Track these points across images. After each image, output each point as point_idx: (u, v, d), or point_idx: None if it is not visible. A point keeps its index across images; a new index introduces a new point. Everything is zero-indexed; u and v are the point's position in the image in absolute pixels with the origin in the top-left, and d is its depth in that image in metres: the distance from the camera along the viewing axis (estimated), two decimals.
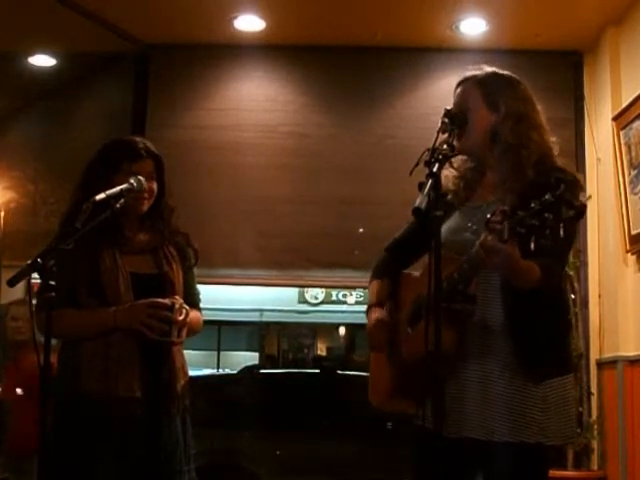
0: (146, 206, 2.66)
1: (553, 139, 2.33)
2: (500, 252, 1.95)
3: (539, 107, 2.36)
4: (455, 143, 2.16)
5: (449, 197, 2.38)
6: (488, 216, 1.99)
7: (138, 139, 2.70)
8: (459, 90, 2.36)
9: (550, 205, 1.82)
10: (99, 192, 2.47)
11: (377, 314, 2.41)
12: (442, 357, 2.08)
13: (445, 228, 2.29)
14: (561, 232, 1.85)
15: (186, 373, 2.69)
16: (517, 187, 2.18)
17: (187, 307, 2.59)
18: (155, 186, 2.68)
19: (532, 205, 1.85)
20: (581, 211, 1.84)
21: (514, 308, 2.17)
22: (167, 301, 2.54)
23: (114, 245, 2.61)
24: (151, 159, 2.67)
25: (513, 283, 2.11)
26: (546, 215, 1.82)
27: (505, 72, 2.39)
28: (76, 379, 2.52)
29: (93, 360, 2.52)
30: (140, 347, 2.54)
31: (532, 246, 1.87)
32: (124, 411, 2.49)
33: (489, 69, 2.38)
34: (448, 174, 2.37)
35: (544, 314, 2.20)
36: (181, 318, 2.55)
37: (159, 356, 2.57)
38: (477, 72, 2.37)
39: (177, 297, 2.60)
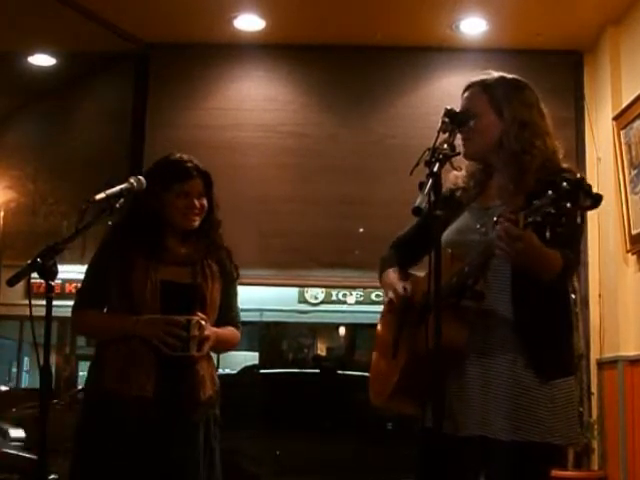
0: (197, 222, 2.72)
1: (558, 142, 2.33)
2: (522, 237, 1.94)
3: (545, 110, 2.35)
4: (461, 147, 2.16)
5: (458, 194, 2.37)
6: (495, 218, 2.00)
7: (186, 157, 2.75)
8: (466, 95, 2.36)
9: (567, 193, 1.80)
10: (152, 209, 2.65)
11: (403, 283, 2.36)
12: (452, 353, 2.08)
13: (452, 228, 2.29)
14: (578, 220, 1.84)
15: (215, 383, 2.72)
16: (520, 191, 2.17)
17: (204, 323, 2.62)
18: (205, 202, 2.74)
19: (549, 193, 1.83)
20: (598, 199, 1.81)
21: (523, 306, 2.16)
22: (182, 319, 2.58)
23: (152, 254, 2.67)
24: (200, 177, 2.73)
25: (535, 272, 2.08)
26: (563, 203, 1.81)
27: (512, 76, 2.38)
28: (100, 378, 2.62)
29: (114, 360, 2.61)
30: (157, 351, 2.59)
31: (548, 235, 1.86)
32: (138, 412, 2.53)
33: (496, 74, 2.37)
34: (458, 173, 2.37)
35: (552, 313, 2.19)
36: (198, 333, 2.59)
37: (179, 362, 2.61)
38: (484, 77, 2.36)
39: (199, 313, 2.63)
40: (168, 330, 2.56)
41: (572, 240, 2.13)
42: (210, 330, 2.64)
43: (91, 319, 2.69)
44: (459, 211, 2.34)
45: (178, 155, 2.76)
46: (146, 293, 2.61)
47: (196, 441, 2.61)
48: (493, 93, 2.31)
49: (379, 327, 2.51)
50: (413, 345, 2.20)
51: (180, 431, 2.59)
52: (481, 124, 2.28)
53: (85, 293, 2.71)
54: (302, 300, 13.51)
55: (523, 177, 2.21)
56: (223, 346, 2.81)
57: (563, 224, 1.83)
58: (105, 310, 2.70)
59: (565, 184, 1.81)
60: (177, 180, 2.69)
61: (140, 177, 2.59)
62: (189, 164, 2.72)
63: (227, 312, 2.79)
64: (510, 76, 2.37)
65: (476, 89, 2.34)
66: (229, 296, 2.82)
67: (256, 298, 12.21)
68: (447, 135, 2.14)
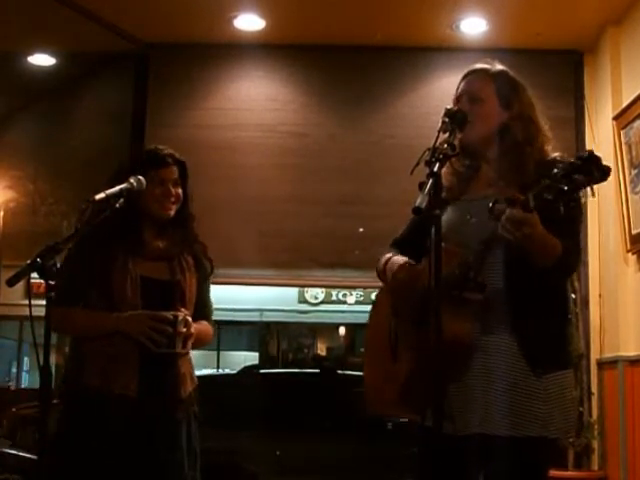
0: (173, 211, 2.71)
1: (550, 147, 2.32)
2: (528, 222, 1.94)
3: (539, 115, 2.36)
4: (458, 135, 2.15)
5: (443, 195, 2.35)
6: (490, 205, 1.99)
7: (162, 147, 2.75)
8: (471, 78, 2.34)
9: (579, 167, 1.81)
10: (129, 200, 2.55)
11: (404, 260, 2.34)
12: (459, 347, 2.08)
13: (442, 222, 2.27)
14: (590, 193, 1.83)
15: (194, 380, 2.72)
16: (517, 181, 2.16)
17: (190, 319, 2.61)
18: (181, 192, 2.73)
19: (556, 170, 1.83)
20: (607, 171, 1.82)
21: (518, 299, 2.15)
22: (169, 315, 2.56)
23: (130, 249, 2.64)
24: (176, 166, 2.72)
25: (535, 257, 2.08)
26: (575, 176, 1.80)
27: (513, 75, 2.39)
28: (79, 374, 2.58)
29: (94, 357, 2.57)
30: (141, 349, 2.56)
31: (562, 210, 1.85)
32: (122, 410, 2.51)
33: (501, 67, 2.37)
34: (440, 172, 2.35)
35: (548, 308, 2.18)
36: (185, 330, 2.58)
37: (161, 360, 2.59)
38: (488, 66, 2.36)
39: (182, 309, 2.62)
40: (154, 326, 2.54)
41: (572, 230, 2.14)
42: (193, 327, 2.62)
43: (72, 317, 2.61)
44: (445, 208, 2.32)
45: (154, 145, 2.76)
46: (127, 290, 2.58)
47: (180, 440, 2.60)
48: (500, 84, 2.31)
49: (368, 334, 2.46)
50: (419, 345, 2.16)
51: (164, 430, 2.57)
52: (484, 110, 2.28)
53: (63, 290, 2.56)
54: (302, 300, 13.49)
55: (521, 167, 2.19)
56: (200, 343, 2.76)
57: (577, 199, 1.84)
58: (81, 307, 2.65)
59: (576, 158, 1.81)
60: (153, 167, 2.67)
61: (140, 177, 2.58)
62: (165, 152, 2.71)
63: (202, 307, 2.76)
64: (513, 74, 2.37)
65: (481, 75, 2.34)
66: (203, 291, 2.79)
67: (256, 298, 12.20)
68: (447, 135, 2.14)
